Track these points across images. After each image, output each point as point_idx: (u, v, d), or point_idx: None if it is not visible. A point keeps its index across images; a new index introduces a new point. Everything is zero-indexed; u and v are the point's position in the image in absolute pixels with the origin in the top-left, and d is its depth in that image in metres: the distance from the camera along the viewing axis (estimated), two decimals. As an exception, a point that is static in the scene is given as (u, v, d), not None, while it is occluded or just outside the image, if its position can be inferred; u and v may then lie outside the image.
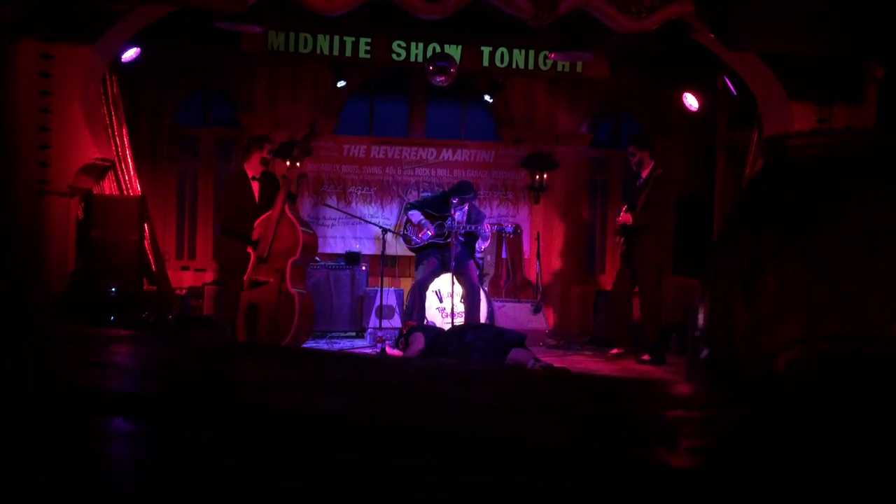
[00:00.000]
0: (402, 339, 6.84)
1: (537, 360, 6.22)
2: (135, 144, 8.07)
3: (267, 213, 6.73)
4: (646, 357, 7.41)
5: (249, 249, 6.69)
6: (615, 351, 7.48)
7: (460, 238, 7.80)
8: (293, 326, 6.68)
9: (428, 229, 7.94)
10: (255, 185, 6.85)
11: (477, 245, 8.06)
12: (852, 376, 1.17)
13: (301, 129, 9.20)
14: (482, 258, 8.68)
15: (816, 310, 1.19)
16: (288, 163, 7.28)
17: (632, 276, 7.40)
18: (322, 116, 9.32)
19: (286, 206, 6.73)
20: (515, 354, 6.19)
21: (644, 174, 7.30)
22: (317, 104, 9.35)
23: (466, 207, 7.88)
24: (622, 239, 7.37)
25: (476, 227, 7.86)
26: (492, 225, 8.21)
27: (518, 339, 6.38)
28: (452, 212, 7.80)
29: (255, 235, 6.70)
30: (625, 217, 7.24)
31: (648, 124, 9.72)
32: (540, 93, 9.58)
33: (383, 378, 1.60)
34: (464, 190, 7.93)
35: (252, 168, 6.85)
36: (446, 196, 8.08)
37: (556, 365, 6.46)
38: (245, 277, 6.67)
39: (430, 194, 8.66)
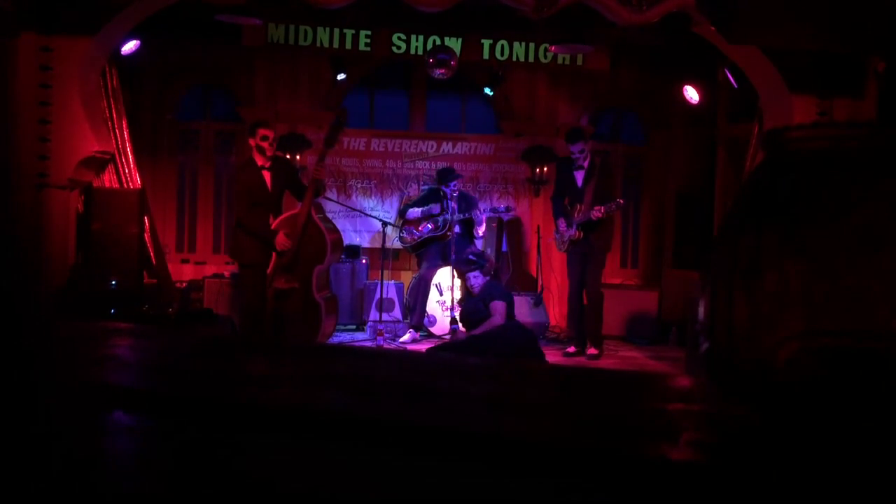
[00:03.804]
0: (467, 309, 6.86)
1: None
2: (135, 137, 8.07)
3: (289, 213, 6.50)
4: (593, 351, 7.38)
5: (274, 253, 6.46)
6: (593, 351, 7.41)
7: (457, 229, 7.82)
8: (318, 334, 6.63)
9: (428, 222, 7.97)
10: (267, 175, 6.44)
11: (474, 232, 8.08)
12: (853, 371, 1.17)
13: (301, 123, 9.21)
14: (482, 251, 8.67)
15: (817, 304, 1.19)
16: (303, 157, 7.04)
17: (581, 269, 7.34)
18: (322, 109, 9.31)
19: (312, 210, 6.49)
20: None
21: (586, 164, 7.33)
22: (317, 97, 9.35)
23: (457, 194, 7.90)
24: (579, 234, 7.21)
25: (470, 213, 7.89)
26: (484, 210, 8.23)
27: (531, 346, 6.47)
28: (447, 204, 7.84)
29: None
30: (595, 212, 7.06)
31: (649, 117, 9.71)
32: (540, 86, 9.57)
33: (383, 373, 1.60)
34: (446, 176, 7.97)
35: (257, 156, 6.42)
36: (434, 190, 8.12)
37: (553, 361, 6.51)
38: (268, 272, 6.45)
39: (419, 195, 8.64)
